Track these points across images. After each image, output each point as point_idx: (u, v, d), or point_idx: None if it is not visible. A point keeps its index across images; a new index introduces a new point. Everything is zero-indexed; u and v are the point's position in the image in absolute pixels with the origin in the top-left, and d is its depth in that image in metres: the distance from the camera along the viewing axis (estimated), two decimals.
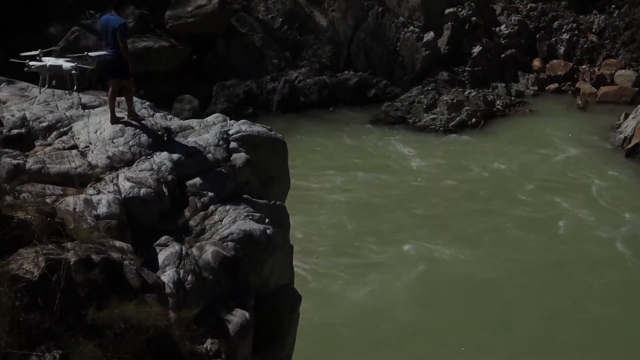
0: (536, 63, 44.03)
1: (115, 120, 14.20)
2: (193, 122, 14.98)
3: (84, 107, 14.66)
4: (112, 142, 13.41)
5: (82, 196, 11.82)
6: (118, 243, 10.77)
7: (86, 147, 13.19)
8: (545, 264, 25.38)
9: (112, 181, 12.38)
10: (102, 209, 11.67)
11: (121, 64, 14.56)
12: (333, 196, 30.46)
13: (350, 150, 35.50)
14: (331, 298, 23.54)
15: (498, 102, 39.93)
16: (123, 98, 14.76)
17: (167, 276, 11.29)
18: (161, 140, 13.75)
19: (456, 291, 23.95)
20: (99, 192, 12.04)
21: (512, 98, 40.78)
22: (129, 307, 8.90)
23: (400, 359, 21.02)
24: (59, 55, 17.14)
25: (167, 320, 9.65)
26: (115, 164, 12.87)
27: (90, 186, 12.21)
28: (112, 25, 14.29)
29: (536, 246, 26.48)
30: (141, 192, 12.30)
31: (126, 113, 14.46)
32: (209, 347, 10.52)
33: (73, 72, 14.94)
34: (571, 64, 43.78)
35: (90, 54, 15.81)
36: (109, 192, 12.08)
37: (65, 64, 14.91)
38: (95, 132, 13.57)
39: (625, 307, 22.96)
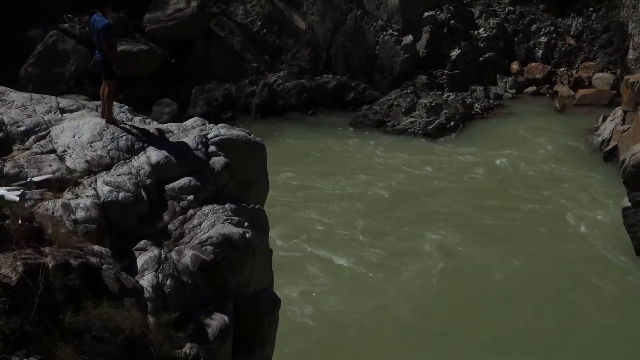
0: (514, 66, 44.15)
1: (111, 120, 14.29)
2: (172, 126, 14.96)
3: (62, 111, 14.63)
4: (91, 146, 13.39)
5: (61, 200, 11.81)
6: (96, 247, 10.76)
7: (64, 151, 13.17)
8: (541, 265, 25.59)
9: (90, 185, 12.37)
10: (80, 214, 11.66)
11: (108, 65, 14.66)
12: (324, 198, 30.53)
13: (332, 153, 35.56)
14: (339, 296, 23.73)
15: (476, 105, 40.03)
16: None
17: (146, 280, 11.28)
18: (140, 144, 13.73)
19: (463, 291, 24.28)
20: (77, 197, 12.03)
21: (491, 101, 40.87)
22: (107, 311, 8.90)
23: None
24: None
25: (146, 324, 9.66)
26: (94, 168, 12.85)
27: (69, 190, 12.20)
28: (97, 27, 14.33)
29: (526, 248, 26.70)
30: (120, 196, 12.30)
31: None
32: (188, 351, 10.53)
33: (17, 202, 10.99)
34: (549, 66, 43.90)
35: (35, 178, 12.35)
36: (87, 196, 12.07)
37: (7, 194, 11.43)
38: (74, 136, 13.55)
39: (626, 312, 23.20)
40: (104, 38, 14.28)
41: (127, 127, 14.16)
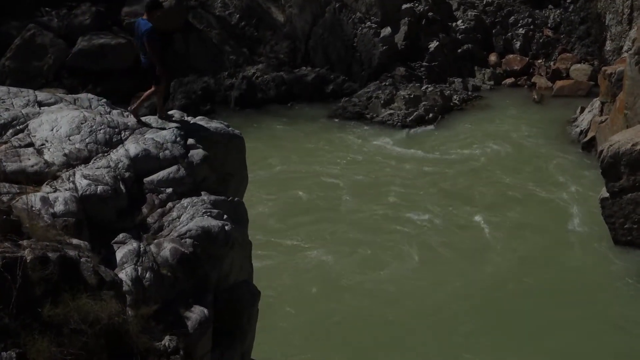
0: (492, 58, 44.21)
1: (163, 116, 15.00)
2: (150, 119, 14.97)
3: (40, 104, 14.60)
4: (69, 139, 13.35)
5: (39, 194, 11.78)
6: (75, 241, 10.75)
7: (42, 144, 13.13)
8: (521, 256, 25.80)
9: (68, 179, 12.34)
10: (58, 207, 11.63)
11: (153, 69, 14.98)
12: (304, 189, 30.63)
13: (311, 145, 35.59)
14: (336, 288, 24.01)
15: (455, 96, 40.09)
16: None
17: (125, 273, 11.27)
18: (118, 137, 13.72)
19: (451, 280, 24.47)
20: (55, 190, 12.00)
21: (469, 93, 40.92)
22: (85, 302, 8.90)
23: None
24: None
25: (125, 316, 9.66)
26: (72, 162, 12.82)
27: (47, 184, 12.17)
28: (140, 30, 14.68)
29: (505, 238, 26.87)
30: (98, 189, 12.27)
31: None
32: (167, 343, 10.52)
33: None
34: (527, 58, 43.98)
35: None
36: (65, 189, 12.04)
37: None
38: (52, 130, 13.51)
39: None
40: (147, 41, 14.53)
41: (106, 120, 14.14)
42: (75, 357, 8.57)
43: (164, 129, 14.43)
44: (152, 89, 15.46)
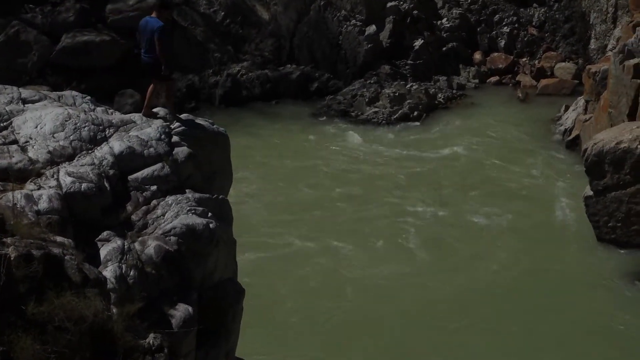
0: (477, 56, 44.29)
1: (148, 113, 15.05)
2: (135, 117, 14.94)
3: (24, 101, 14.54)
4: (53, 136, 13.30)
5: (23, 191, 11.73)
6: (59, 238, 10.70)
7: (26, 142, 13.08)
8: (506, 255, 25.91)
9: (52, 176, 12.29)
10: (42, 204, 11.59)
11: (158, 66, 15.39)
12: (288, 187, 30.67)
13: (296, 143, 35.64)
14: (336, 287, 24.00)
15: (440, 95, 40.15)
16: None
17: (109, 271, 11.24)
18: (102, 134, 13.68)
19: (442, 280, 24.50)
20: (39, 188, 11.95)
21: (454, 91, 40.99)
22: (70, 300, 8.86)
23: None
24: None
25: (109, 314, 9.62)
26: (56, 159, 12.78)
27: (31, 181, 12.12)
28: (151, 27, 14.79)
29: (489, 237, 26.99)
30: (82, 187, 12.23)
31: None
32: (151, 341, 10.49)
33: None
34: (512, 57, 44.08)
35: None
36: (49, 187, 12.00)
37: None
38: (36, 127, 13.46)
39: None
40: (158, 38, 14.62)
41: (90, 117, 14.10)
42: (59, 355, 8.53)
43: (148, 126, 14.40)
44: (155, 86, 15.87)
